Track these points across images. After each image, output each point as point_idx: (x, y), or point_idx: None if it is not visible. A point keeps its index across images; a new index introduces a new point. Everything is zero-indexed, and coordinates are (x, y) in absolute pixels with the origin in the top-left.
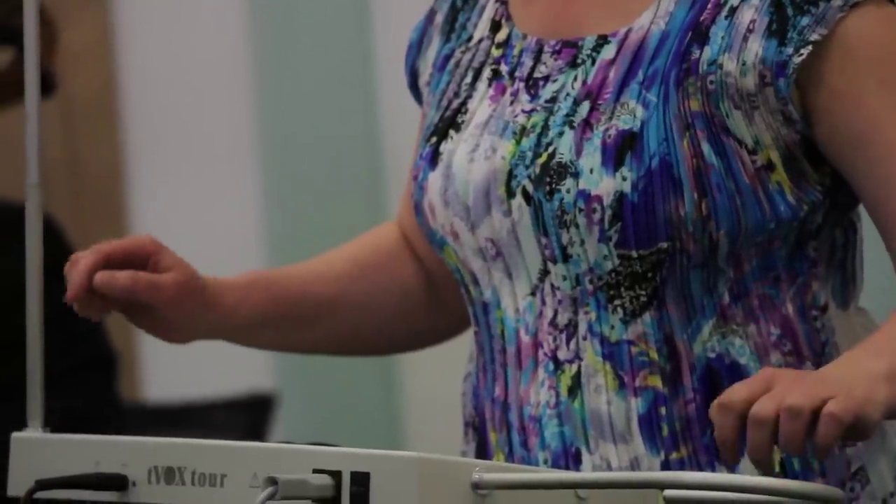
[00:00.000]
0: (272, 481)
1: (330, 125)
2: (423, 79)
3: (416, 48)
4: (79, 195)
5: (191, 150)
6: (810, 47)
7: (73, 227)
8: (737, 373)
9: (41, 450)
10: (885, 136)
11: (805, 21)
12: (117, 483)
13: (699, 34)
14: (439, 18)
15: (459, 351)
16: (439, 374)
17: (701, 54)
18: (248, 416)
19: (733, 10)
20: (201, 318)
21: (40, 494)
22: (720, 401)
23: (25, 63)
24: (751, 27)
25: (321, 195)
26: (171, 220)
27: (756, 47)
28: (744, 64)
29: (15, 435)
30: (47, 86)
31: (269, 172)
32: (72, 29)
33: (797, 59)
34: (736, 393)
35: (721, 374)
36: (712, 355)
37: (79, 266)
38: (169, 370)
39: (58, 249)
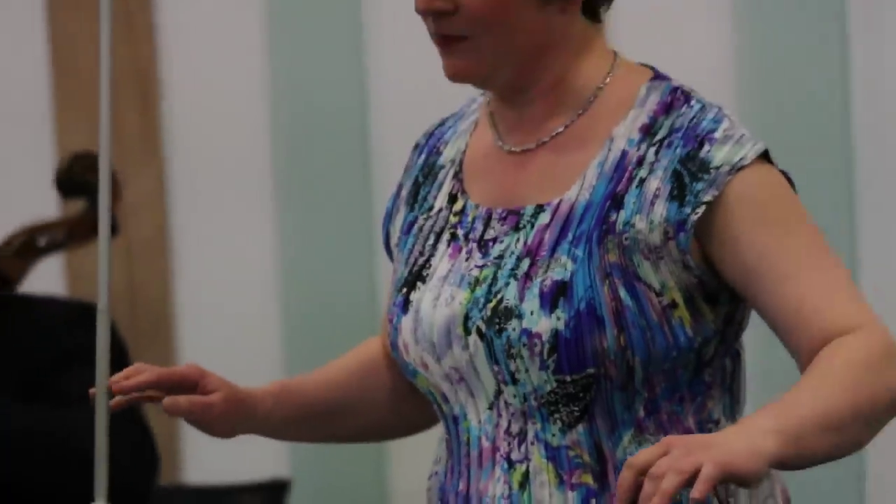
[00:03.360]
0: None
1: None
2: (394, 241)
3: (388, 216)
4: (135, 319)
5: (227, 289)
6: (705, 206)
7: (132, 343)
8: None
9: None
10: (770, 264)
11: (699, 186)
12: None
13: (616, 201)
14: (404, 192)
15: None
16: (424, 465)
17: (617, 217)
18: (269, 499)
19: (642, 181)
20: (240, 425)
21: None
22: (628, 461)
23: (99, 210)
24: (657, 193)
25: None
26: (213, 343)
27: (661, 209)
28: (651, 223)
29: None
30: (112, 229)
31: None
32: (132, 183)
33: (694, 217)
34: (640, 456)
35: None
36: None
37: (139, 378)
38: (204, 457)
39: (120, 361)
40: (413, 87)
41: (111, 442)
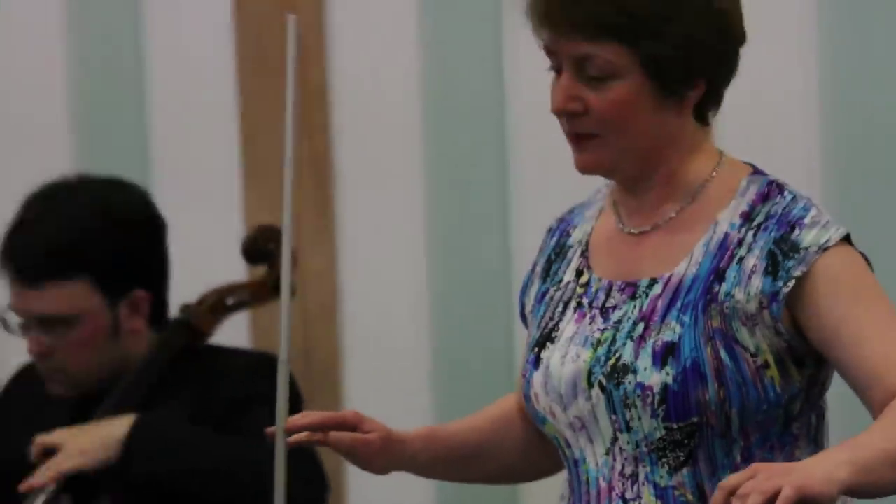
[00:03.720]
0: None
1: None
2: (528, 309)
3: (524, 289)
4: (309, 371)
5: (386, 349)
6: (794, 281)
7: (305, 392)
8: None
9: None
10: (850, 330)
11: (790, 263)
12: None
13: (719, 276)
14: (538, 268)
15: None
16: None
17: (720, 289)
18: None
19: (742, 259)
20: (393, 463)
21: None
22: (720, 484)
23: (281, 276)
24: (753, 269)
25: None
26: (374, 393)
27: (757, 283)
28: (748, 294)
29: None
30: (291, 292)
31: None
32: (308, 254)
33: (785, 290)
34: (730, 479)
35: None
36: None
37: (309, 418)
38: (364, 490)
39: (296, 406)
40: None
41: (288, 473)
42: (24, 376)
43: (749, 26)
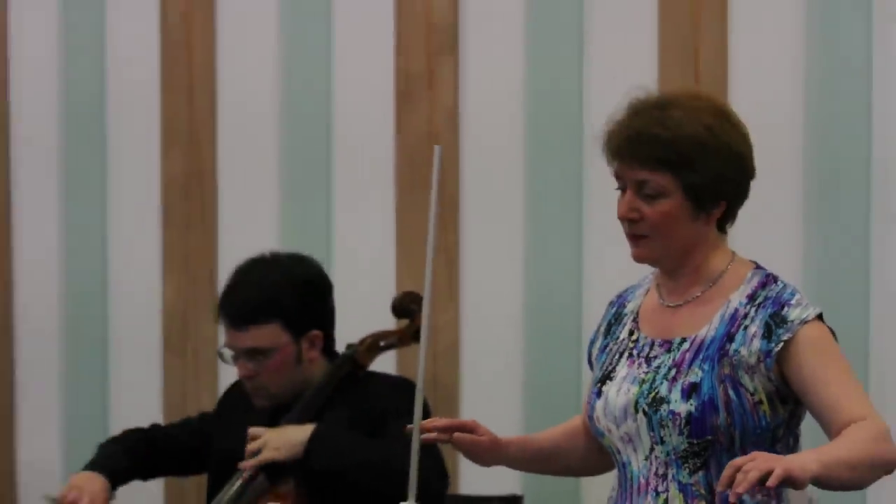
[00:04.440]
0: None
1: None
2: (593, 356)
3: (591, 343)
4: (435, 392)
5: (482, 375)
6: (783, 343)
7: (433, 408)
8: (740, 502)
9: None
10: (818, 380)
11: (780, 331)
12: None
13: (730, 338)
14: (601, 329)
15: None
16: (604, 490)
17: (730, 347)
18: None
19: (746, 327)
20: (496, 459)
21: None
22: (729, 463)
23: (421, 328)
24: (754, 334)
25: None
26: (485, 410)
27: (756, 344)
28: (750, 352)
29: None
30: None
31: None
32: (439, 312)
33: (776, 349)
34: (737, 460)
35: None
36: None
37: (440, 422)
38: (471, 477)
39: (426, 416)
40: None
41: (420, 464)
42: (234, 389)
43: None
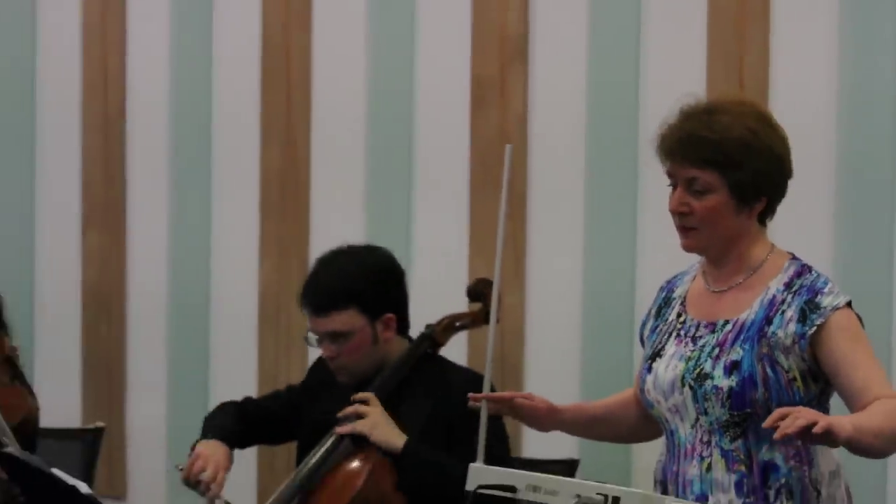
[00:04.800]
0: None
1: None
2: (645, 335)
3: (643, 324)
4: (503, 371)
5: (543, 346)
6: (816, 327)
7: (499, 384)
8: (774, 467)
9: (483, 474)
10: (846, 362)
11: (814, 316)
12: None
13: (768, 321)
14: (653, 311)
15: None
16: (653, 455)
17: (768, 329)
18: (565, 470)
19: (783, 312)
20: (553, 425)
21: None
22: (778, 409)
23: (490, 311)
24: (790, 318)
25: None
26: (547, 381)
27: (792, 327)
28: (786, 334)
29: (472, 465)
30: (497, 321)
31: None
32: (507, 296)
33: (809, 332)
34: (784, 409)
35: (770, 466)
36: (767, 458)
37: (502, 394)
38: (532, 442)
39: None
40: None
41: (490, 430)
42: (321, 364)
43: None
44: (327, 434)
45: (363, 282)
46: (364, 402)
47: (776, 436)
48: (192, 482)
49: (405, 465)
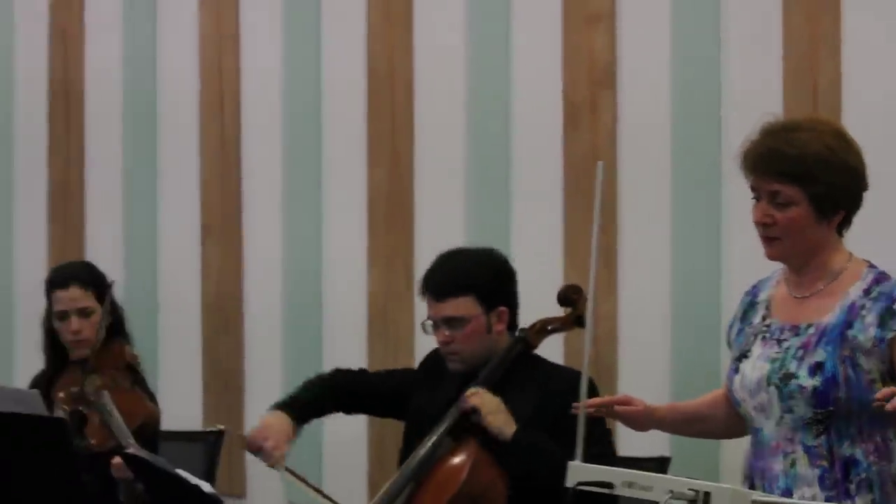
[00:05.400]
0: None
1: None
2: (732, 338)
3: (730, 327)
4: (597, 373)
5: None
6: (894, 332)
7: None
8: (855, 462)
9: (582, 471)
10: None
11: (893, 322)
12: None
13: (849, 325)
14: (738, 314)
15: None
16: (739, 450)
17: (849, 332)
18: (657, 467)
19: (863, 316)
20: (649, 425)
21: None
22: (891, 389)
23: (586, 315)
24: (870, 322)
25: None
26: (641, 381)
27: (872, 331)
28: (866, 338)
29: (571, 463)
30: (584, 324)
31: None
32: (600, 303)
33: (889, 337)
34: (892, 388)
35: (852, 462)
36: (848, 454)
37: (601, 400)
38: (627, 440)
39: (593, 393)
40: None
41: (591, 431)
42: (431, 358)
43: None
44: (433, 428)
45: (481, 273)
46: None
47: (888, 407)
48: (254, 450)
49: (514, 453)
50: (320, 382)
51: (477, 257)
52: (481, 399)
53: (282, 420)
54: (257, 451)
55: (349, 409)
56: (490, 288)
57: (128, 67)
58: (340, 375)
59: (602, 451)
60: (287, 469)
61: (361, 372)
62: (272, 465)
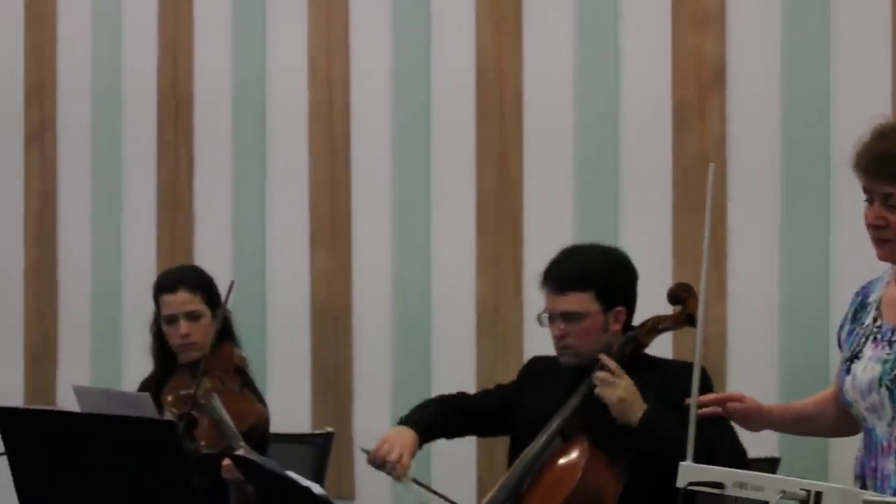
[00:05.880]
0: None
1: None
2: (842, 339)
3: (840, 327)
4: (707, 363)
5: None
6: None
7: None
8: None
9: (693, 472)
10: None
11: None
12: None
13: None
14: (849, 315)
15: None
16: (851, 450)
17: None
18: (767, 468)
19: None
20: (762, 424)
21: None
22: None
23: (698, 314)
24: None
25: None
26: (750, 385)
27: None
28: None
29: (682, 464)
30: (694, 323)
31: None
32: (711, 304)
33: None
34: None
35: None
36: None
37: (714, 397)
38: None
39: (706, 389)
40: None
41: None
42: (533, 364)
43: None
44: (542, 429)
45: (604, 271)
46: (611, 370)
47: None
48: (378, 463)
49: (642, 438)
50: (434, 404)
51: (601, 255)
52: (602, 391)
53: (405, 434)
54: (382, 464)
55: (462, 432)
56: (611, 286)
57: (236, 73)
58: (447, 399)
59: (734, 445)
60: (414, 480)
61: (462, 395)
62: (398, 478)
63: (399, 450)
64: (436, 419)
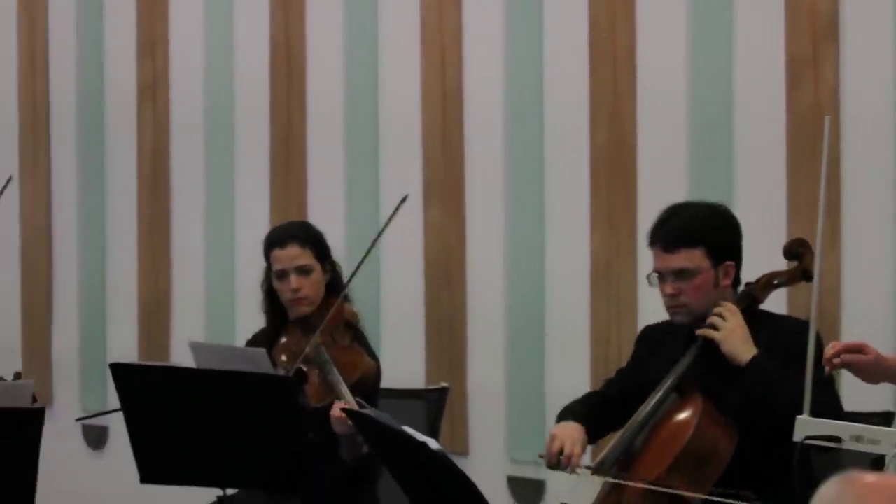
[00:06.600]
0: None
1: None
2: None
3: None
4: (821, 328)
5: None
6: None
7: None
8: None
9: (809, 426)
10: None
11: None
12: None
13: None
14: None
15: None
16: None
17: None
18: (883, 423)
19: None
20: (881, 377)
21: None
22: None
23: (814, 271)
24: None
25: None
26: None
27: None
28: None
29: (798, 417)
30: (809, 278)
31: None
32: (825, 259)
33: None
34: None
35: None
36: None
37: (837, 348)
38: (854, 395)
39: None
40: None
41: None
42: (645, 334)
43: None
44: (658, 385)
45: (712, 227)
46: (723, 315)
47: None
48: (554, 462)
49: (748, 380)
50: (578, 403)
51: (706, 211)
52: (711, 333)
53: (572, 427)
54: (556, 463)
55: (615, 420)
56: (719, 242)
57: (349, 30)
58: (583, 398)
59: (829, 397)
60: (589, 467)
61: (592, 393)
62: (573, 472)
63: (570, 443)
64: (591, 413)
